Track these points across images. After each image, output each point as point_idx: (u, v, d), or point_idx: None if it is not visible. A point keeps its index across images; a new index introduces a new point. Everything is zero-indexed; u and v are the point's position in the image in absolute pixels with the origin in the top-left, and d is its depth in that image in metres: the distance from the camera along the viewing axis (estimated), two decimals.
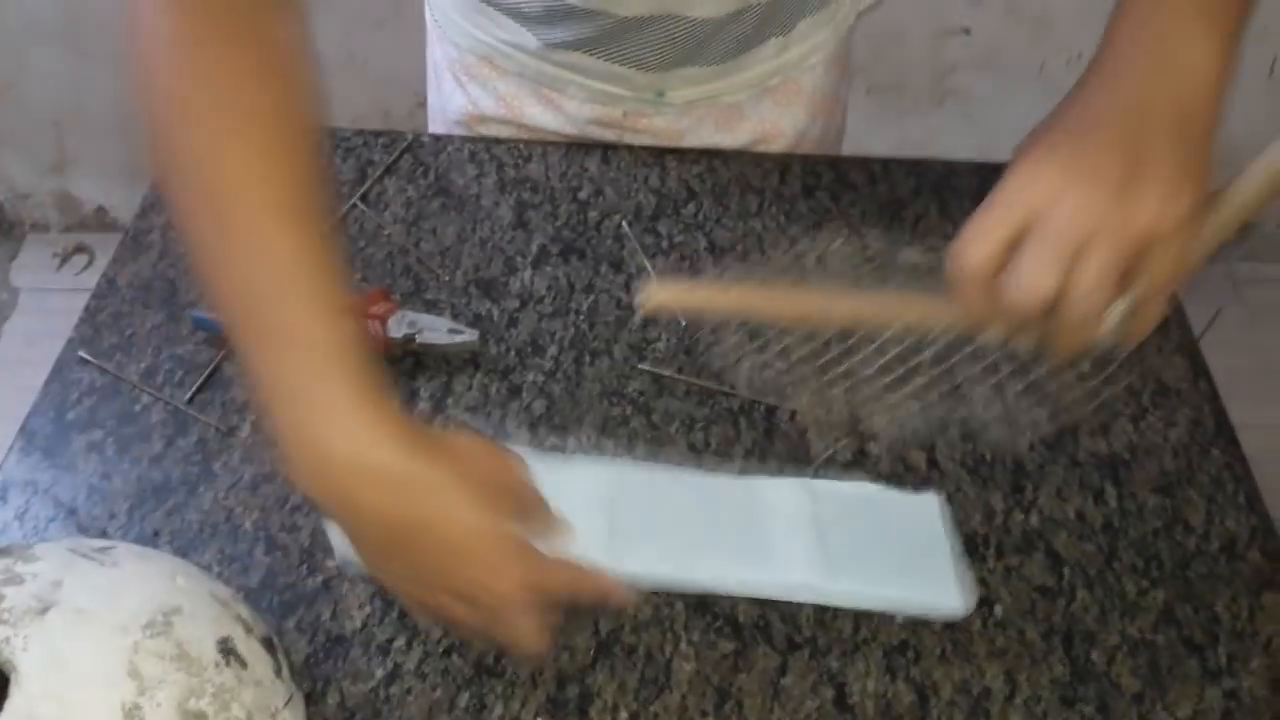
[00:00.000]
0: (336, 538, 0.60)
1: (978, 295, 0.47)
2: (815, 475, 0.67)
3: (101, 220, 1.97)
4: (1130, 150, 0.45)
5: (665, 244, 0.83)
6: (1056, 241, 0.44)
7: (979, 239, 0.46)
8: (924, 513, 0.65)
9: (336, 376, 0.48)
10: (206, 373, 0.72)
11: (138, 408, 0.70)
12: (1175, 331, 0.78)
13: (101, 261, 0.72)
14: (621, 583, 0.55)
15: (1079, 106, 0.48)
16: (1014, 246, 0.46)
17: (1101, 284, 0.44)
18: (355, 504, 0.49)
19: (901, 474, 0.68)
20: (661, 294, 0.54)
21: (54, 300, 1.87)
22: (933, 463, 0.67)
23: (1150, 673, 0.60)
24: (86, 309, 0.77)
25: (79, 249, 1.96)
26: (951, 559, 0.63)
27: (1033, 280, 0.44)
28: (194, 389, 0.71)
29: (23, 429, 0.69)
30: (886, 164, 0.89)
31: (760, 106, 0.90)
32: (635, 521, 0.63)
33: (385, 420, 0.48)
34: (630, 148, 0.89)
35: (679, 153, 0.89)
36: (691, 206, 0.85)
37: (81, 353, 0.73)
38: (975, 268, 0.46)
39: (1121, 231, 0.44)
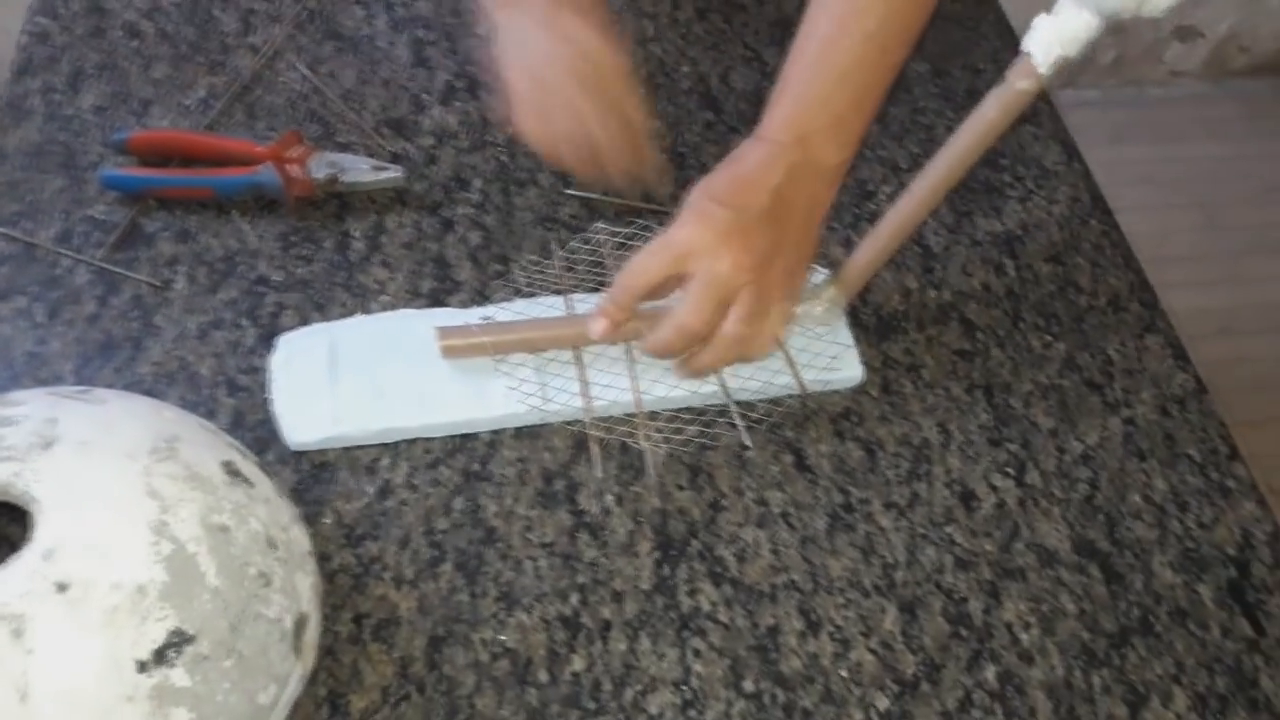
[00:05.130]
0: (285, 419, 0.61)
1: (629, 309, 0.60)
2: None
3: None
4: (773, 232, 0.58)
5: None
6: (716, 288, 0.57)
7: (648, 268, 0.58)
8: (818, 293, 0.68)
9: None
10: (121, 230, 0.70)
11: (59, 271, 0.68)
12: (1048, 122, 0.85)
13: None
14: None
15: (739, 180, 0.59)
16: (674, 281, 0.59)
17: (739, 327, 0.58)
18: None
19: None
20: (451, 342, 0.63)
21: None
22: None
23: (1061, 410, 0.67)
24: None
25: None
26: (848, 331, 0.68)
27: (695, 311, 0.57)
28: (111, 247, 0.69)
29: None
30: None
31: None
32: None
33: None
34: None
35: None
36: None
37: None
38: (639, 289, 0.59)
39: (758, 291, 0.58)
